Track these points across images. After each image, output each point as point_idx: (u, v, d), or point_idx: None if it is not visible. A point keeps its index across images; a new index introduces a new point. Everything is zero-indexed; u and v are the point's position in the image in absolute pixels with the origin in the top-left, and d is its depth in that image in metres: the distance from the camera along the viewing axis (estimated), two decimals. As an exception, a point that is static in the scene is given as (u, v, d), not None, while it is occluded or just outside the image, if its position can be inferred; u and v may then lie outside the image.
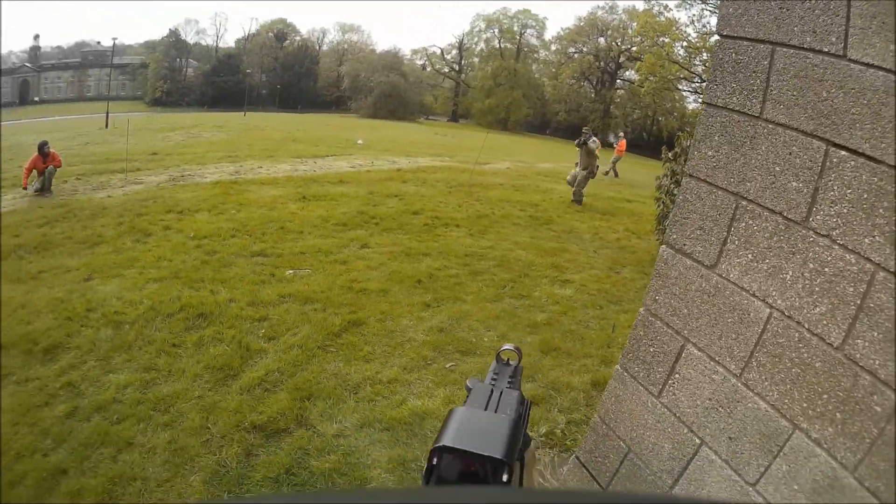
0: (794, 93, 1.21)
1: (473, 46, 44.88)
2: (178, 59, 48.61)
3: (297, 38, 49.76)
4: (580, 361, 3.45)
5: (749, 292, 1.34)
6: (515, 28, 42.68)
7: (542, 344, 3.67)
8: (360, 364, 3.36)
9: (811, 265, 1.21)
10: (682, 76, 33.78)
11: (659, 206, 5.81)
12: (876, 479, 1.12)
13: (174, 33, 48.81)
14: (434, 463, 0.44)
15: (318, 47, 50.03)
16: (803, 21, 1.17)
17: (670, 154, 5.81)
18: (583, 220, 7.55)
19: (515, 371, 0.62)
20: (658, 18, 34.27)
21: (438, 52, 46.89)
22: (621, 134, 16.63)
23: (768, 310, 1.30)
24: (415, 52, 47.44)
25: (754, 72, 1.29)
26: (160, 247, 5.28)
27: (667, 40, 33.75)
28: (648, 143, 30.64)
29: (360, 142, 15.71)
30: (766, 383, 1.30)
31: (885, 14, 1.04)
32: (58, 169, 7.93)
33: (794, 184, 1.23)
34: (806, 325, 1.23)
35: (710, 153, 1.43)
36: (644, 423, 1.66)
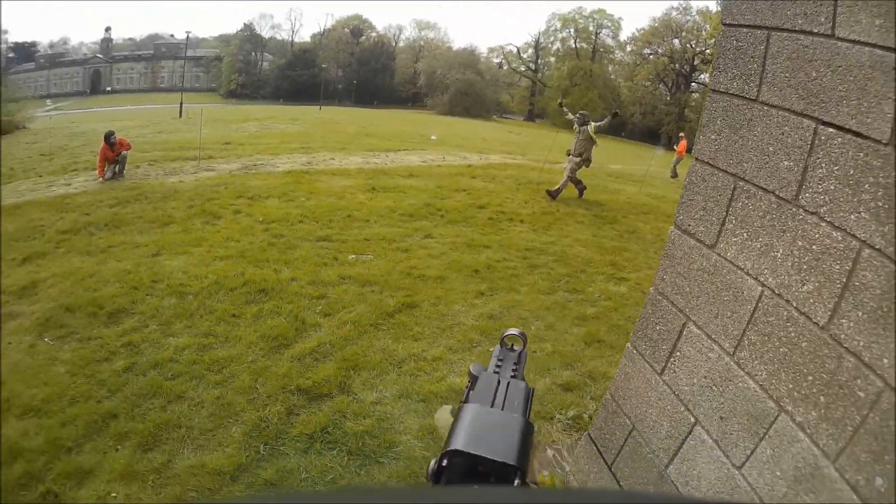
0: (787, 74, 1.23)
1: (549, 46, 44.81)
2: (252, 53, 49.66)
3: (374, 34, 50.87)
4: (621, 353, 3.43)
5: (743, 270, 1.37)
6: (591, 28, 42.51)
7: (587, 335, 3.68)
8: (408, 342, 3.48)
9: (800, 243, 1.22)
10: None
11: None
12: (856, 472, 1.09)
13: (249, 27, 50.14)
14: (444, 465, 0.44)
15: (394, 43, 50.98)
16: (795, 4, 1.19)
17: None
18: (646, 221, 7.28)
19: (520, 358, 0.60)
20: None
21: (515, 50, 46.90)
22: (681, 135, 15.75)
23: (760, 288, 1.32)
24: (491, 50, 47.81)
25: (752, 57, 1.32)
26: (229, 229, 5.46)
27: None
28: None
29: (433, 137, 16.02)
30: (756, 362, 1.32)
31: (871, -10, 1.05)
32: (129, 153, 8.03)
33: (786, 163, 1.24)
34: (794, 304, 1.24)
35: (712, 136, 1.46)
36: (647, 400, 1.71)
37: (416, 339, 3.55)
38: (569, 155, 7.92)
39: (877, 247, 1.08)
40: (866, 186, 1.09)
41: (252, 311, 3.74)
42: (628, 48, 42.28)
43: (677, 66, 39.02)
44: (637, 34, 41.34)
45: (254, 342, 3.34)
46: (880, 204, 1.07)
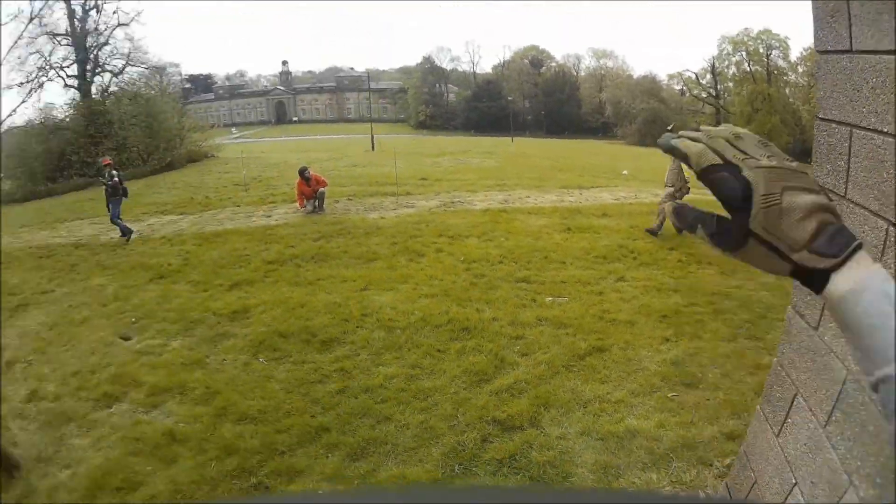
0: (866, 174, 1.39)
1: (725, 70, 43.48)
2: (436, 85, 51.56)
3: (553, 63, 50.91)
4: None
5: (835, 353, 1.54)
6: (760, 50, 41.25)
7: (759, 385, 3.46)
8: (595, 384, 3.64)
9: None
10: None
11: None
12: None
13: (428, 60, 51.94)
14: None
15: (575, 73, 50.65)
16: (868, 102, 1.28)
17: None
18: (838, 264, 5.85)
19: None
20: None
21: (693, 76, 45.41)
22: None
23: (845, 371, 1.49)
24: (670, 76, 47.00)
25: (839, 153, 1.48)
26: (432, 267, 5.79)
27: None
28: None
29: (624, 172, 15.81)
30: (838, 438, 1.49)
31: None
32: (326, 189, 8.50)
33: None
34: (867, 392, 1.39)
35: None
36: (766, 458, 1.90)
37: (602, 382, 3.70)
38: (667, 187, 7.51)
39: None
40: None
41: (456, 348, 4.06)
42: (800, 69, 39.18)
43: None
44: (805, 53, 37.71)
45: (457, 376, 3.66)
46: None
